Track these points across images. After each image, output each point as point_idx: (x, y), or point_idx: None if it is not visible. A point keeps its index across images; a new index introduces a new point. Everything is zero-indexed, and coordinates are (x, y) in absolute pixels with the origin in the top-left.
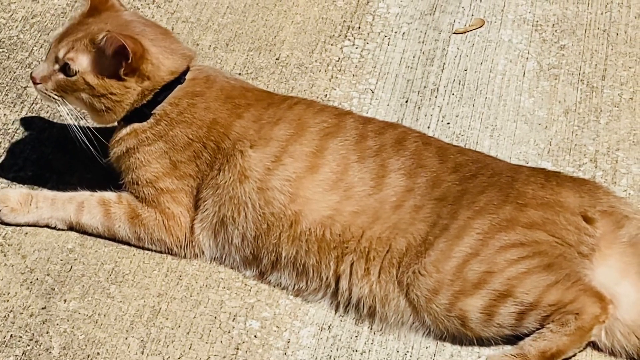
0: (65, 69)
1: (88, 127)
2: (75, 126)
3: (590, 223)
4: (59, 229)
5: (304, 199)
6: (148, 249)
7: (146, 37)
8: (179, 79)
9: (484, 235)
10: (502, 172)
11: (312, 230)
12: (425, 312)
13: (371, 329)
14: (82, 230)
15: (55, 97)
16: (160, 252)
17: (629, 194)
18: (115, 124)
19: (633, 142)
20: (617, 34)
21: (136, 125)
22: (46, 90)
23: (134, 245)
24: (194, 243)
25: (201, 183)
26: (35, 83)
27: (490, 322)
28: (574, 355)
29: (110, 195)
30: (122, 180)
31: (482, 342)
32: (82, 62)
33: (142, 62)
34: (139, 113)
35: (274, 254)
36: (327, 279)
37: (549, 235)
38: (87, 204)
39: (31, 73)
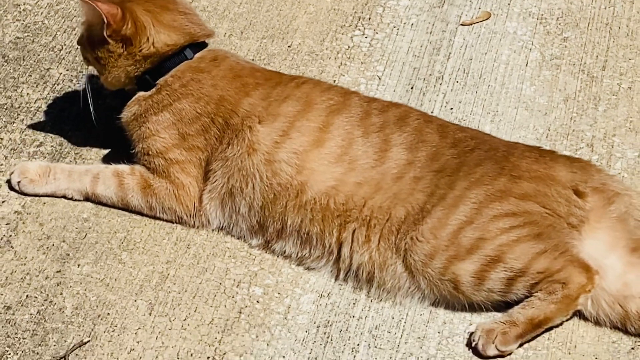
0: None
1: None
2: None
3: (581, 197)
4: (75, 200)
5: (310, 171)
6: (159, 218)
7: (141, 5)
8: (180, 53)
9: (479, 204)
10: (499, 147)
11: (317, 199)
12: (421, 276)
13: (369, 295)
14: (97, 201)
15: (84, 59)
16: (171, 221)
17: (623, 176)
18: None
19: (629, 128)
20: (619, 28)
21: (140, 93)
22: (82, 52)
23: (146, 215)
24: (201, 212)
25: (210, 156)
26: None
27: (481, 287)
28: (561, 324)
29: (124, 167)
30: (133, 150)
31: (474, 308)
32: (85, 18)
33: (121, 25)
34: (145, 82)
35: (279, 223)
36: (329, 246)
37: (540, 206)
38: (102, 176)
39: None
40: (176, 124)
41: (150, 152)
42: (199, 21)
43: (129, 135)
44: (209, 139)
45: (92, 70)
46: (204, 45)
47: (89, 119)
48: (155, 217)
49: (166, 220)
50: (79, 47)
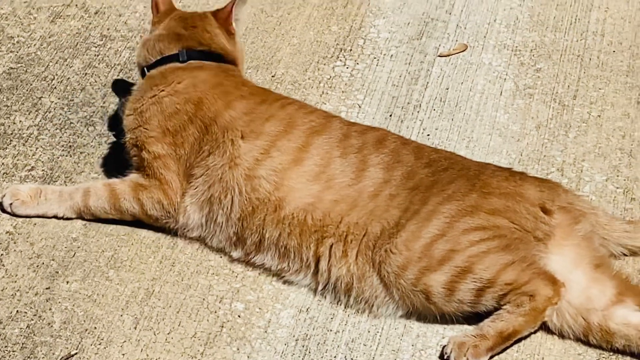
0: None
1: None
2: None
3: (548, 214)
4: (66, 219)
5: (288, 188)
6: (150, 217)
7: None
8: (173, 58)
9: (450, 218)
10: (471, 166)
11: (295, 215)
12: (395, 288)
13: (345, 309)
14: (90, 214)
15: None
16: (160, 219)
17: (592, 199)
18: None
19: (598, 154)
20: (590, 59)
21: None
22: None
23: (138, 217)
24: (182, 210)
25: (192, 158)
26: None
27: (452, 297)
28: (529, 335)
29: (113, 179)
30: (124, 141)
31: (446, 321)
32: None
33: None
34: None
35: (257, 235)
36: (307, 260)
37: (509, 221)
38: (93, 188)
39: None
40: (157, 116)
41: (137, 143)
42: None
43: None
44: (187, 137)
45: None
46: (203, 55)
47: (79, 144)
48: (146, 216)
49: (156, 219)
50: None
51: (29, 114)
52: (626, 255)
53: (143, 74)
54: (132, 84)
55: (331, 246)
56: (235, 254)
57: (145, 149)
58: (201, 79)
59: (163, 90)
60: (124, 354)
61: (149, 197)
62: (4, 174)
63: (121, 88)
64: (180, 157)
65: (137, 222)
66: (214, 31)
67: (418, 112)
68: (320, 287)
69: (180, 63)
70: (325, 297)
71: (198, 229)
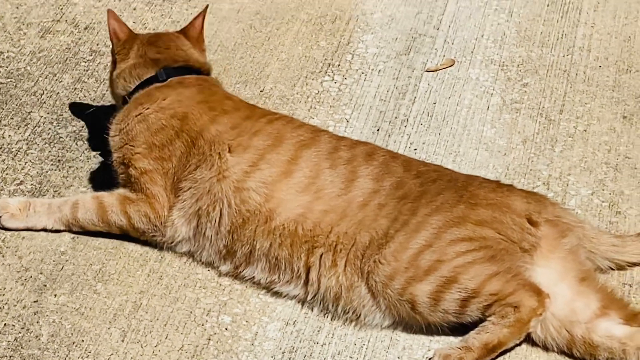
0: None
1: None
2: None
3: (534, 226)
4: (55, 231)
5: (278, 199)
6: (137, 230)
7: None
8: (152, 80)
9: (438, 229)
10: (459, 178)
11: (286, 225)
12: (382, 297)
13: (332, 322)
14: (78, 227)
15: None
16: (147, 232)
17: (577, 212)
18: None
19: (584, 168)
20: (577, 74)
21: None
22: None
23: (125, 232)
24: (170, 224)
25: (179, 172)
26: None
27: (437, 307)
28: (513, 347)
29: (102, 192)
30: (111, 162)
31: (432, 333)
32: None
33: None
34: (125, 101)
35: (248, 247)
36: (298, 270)
37: (495, 232)
38: (82, 201)
39: None
40: (144, 133)
41: (124, 161)
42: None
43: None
44: (174, 151)
45: None
46: (181, 71)
47: (68, 159)
48: (133, 229)
49: (143, 232)
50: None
51: (18, 129)
52: (613, 269)
53: (125, 102)
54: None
55: (321, 256)
56: (224, 267)
57: (132, 166)
58: (186, 95)
59: (148, 108)
60: None
61: (136, 211)
62: None
63: (104, 111)
64: (167, 171)
65: (124, 236)
66: (189, 50)
67: (405, 126)
68: (309, 297)
69: (160, 83)
70: (312, 309)
71: (187, 243)
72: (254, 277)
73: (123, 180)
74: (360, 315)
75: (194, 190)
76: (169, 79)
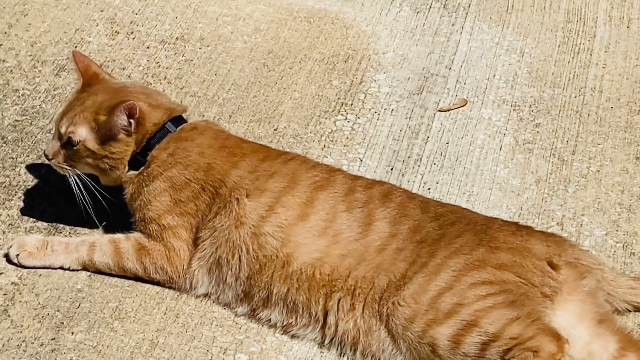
0: (69, 142)
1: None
2: (81, 193)
3: (555, 269)
4: (72, 270)
5: (295, 243)
6: (152, 280)
7: (137, 97)
8: (164, 129)
9: (458, 272)
10: (478, 220)
11: (303, 270)
12: (401, 339)
13: None
14: (94, 268)
15: (67, 167)
16: (162, 282)
17: (591, 253)
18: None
19: (597, 208)
20: (589, 115)
21: (131, 172)
22: (58, 163)
23: (140, 277)
24: (189, 276)
25: (201, 222)
26: (48, 159)
27: (457, 350)
28: None
29: (119, 235)
30: (133, 219)
31: None
32: (81, 132)
33: (141, 120)
34: (135, 161)
35: (265, 292)
36: (316, 314)
37: (516, 276)
38: (98, 244)
39: (44, 151)
40: (168, 191)
41: (145, 219)
42: (171, 100)
43: (130, 210)
44: (200, 204)
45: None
46: (182, 119)
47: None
48: (149, 278)
49: (158, 281)
50: (62, 161)
51: (34, 166)
52: (630, 311)
53: (131, 164)
54: None
55: (339, 300)
56: (241, 309)
57: (155, 222)
58: (206, 144)
59: (169, 166)
60: None
61: (152, 263)
62: (9, 225)
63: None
64: (192, 225)
65: None
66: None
67: (419, 166)
68: (326, 341)
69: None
70: (330, 350)
71: (206, 289)
72: (270, 319)
73: (142, 231)
74: (380, 359)
75: (213, 239)
76: (179, 129)
